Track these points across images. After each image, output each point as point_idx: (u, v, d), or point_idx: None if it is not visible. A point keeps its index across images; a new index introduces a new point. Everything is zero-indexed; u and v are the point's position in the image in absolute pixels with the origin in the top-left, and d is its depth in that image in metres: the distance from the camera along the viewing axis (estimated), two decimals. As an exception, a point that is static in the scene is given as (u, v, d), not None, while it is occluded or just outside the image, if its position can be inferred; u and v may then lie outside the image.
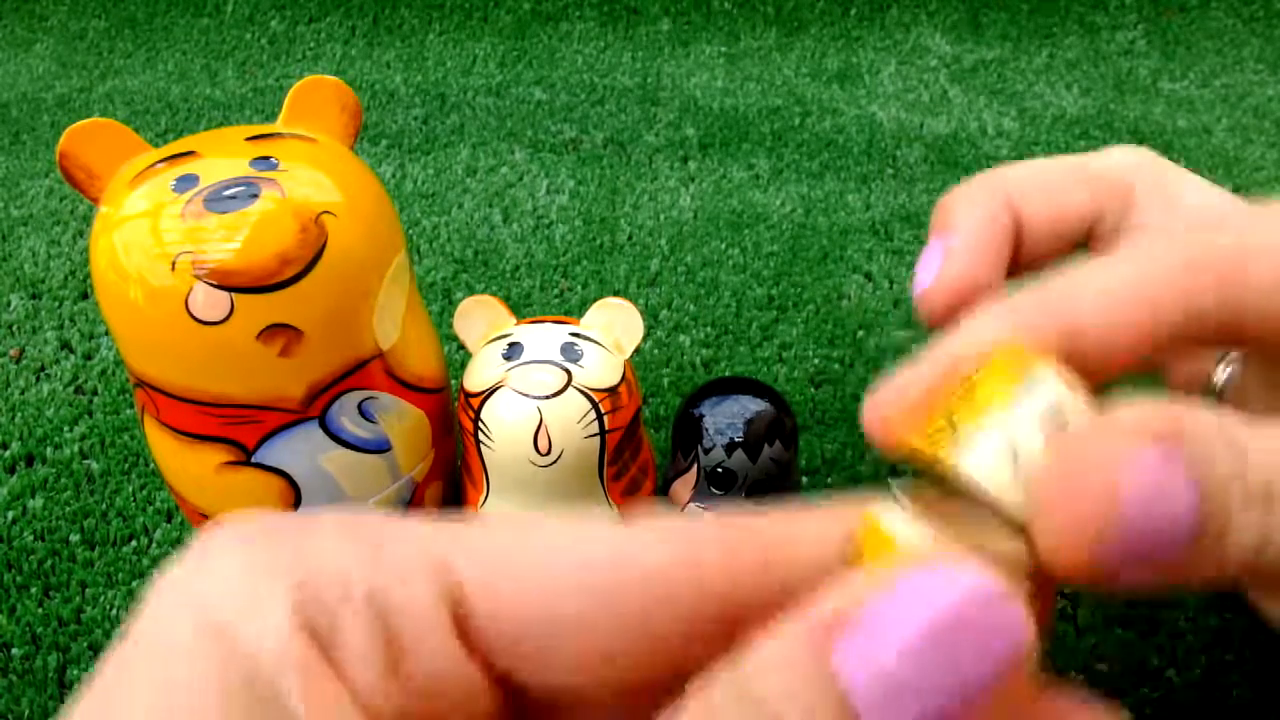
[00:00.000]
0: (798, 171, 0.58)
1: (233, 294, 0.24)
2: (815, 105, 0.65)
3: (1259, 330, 0.17)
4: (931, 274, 0.26)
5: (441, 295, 0.48)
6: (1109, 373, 0.17)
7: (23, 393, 0.42)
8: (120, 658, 0.13)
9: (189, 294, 0.24)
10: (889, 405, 0.17)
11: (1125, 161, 0.27)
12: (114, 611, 0.33)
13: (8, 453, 0.39)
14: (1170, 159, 0.27)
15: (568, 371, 0.28)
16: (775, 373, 0.43)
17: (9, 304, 0.47)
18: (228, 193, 0.24)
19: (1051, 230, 0.26)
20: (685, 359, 0.44)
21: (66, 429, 0.40)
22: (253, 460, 0.27)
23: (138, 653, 0.13)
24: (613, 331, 0.30)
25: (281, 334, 0.25)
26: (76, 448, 0.39)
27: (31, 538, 0.36)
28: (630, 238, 0.52)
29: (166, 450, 0.28)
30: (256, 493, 0.28)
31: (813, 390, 0.42)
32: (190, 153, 0.26)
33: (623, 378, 0.29)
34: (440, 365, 0.32)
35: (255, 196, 0.24)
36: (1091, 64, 0.71)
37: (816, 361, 0.44)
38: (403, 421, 0.29)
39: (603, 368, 0.29)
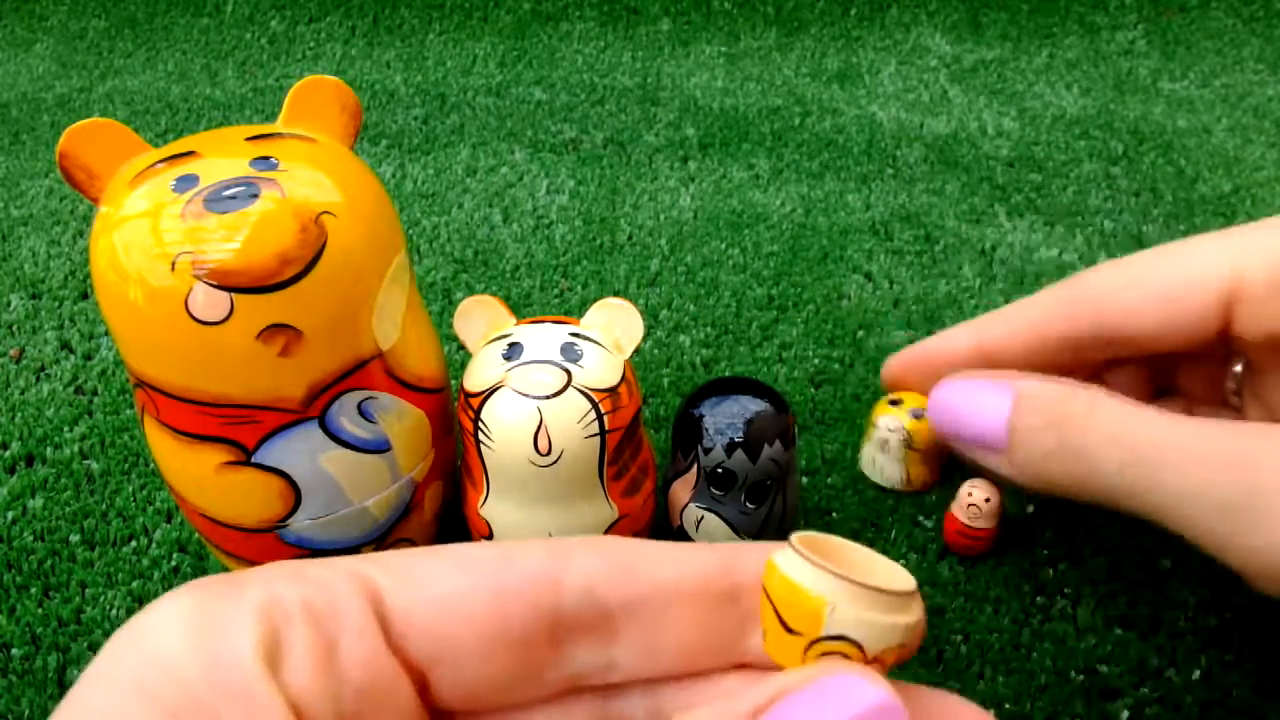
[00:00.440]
0: (798, 171, 0.58)
1: (233, 294, 0.24)
2: (815, 105, 0.65)
3: (1132, 344, 0.29)
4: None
5: (441, 295, 0.48)
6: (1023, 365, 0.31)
7: (23, 393, 0.42)
8: (71, 696, 0.14)
9: (189, 294, 0.24)
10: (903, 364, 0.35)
11: None
12: (114, 611, 0.33)
13: (8, 453, 0.39)
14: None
15: (568, 371, 0.28)
16: (775, 373, 0.43)
17: (9, 304, 0.47)
18: (228, 193, 0.24)
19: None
20: (685, 359, 0.44)
21: (66, 429, 0.40)
22: (253, 460, 0.27)
23: (87, 683, 0.14)
24: (613, 331, 0.30)
25: (281, 334, 0.25)
26: (76, 448, 0.39)
27: (31, 538, 0.36)
28: (630, 238, 0.52)
29: (166, 450, 0.28)
30: (256, 493, 0.28)
31: (813, 390, 0.42)
32: (190, 153, 0.26)
33: (623, 378, 0.29)
34: (440, 365, 0.32)
35: (255, 196, 0.24)
36: (1091, 64, 0.71)
37: (816, 361, 0.44)
38: (403, 421, 0.29)
39: (603, 368, 0.29)
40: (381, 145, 0.60)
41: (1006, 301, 0.42)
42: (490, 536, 0.31)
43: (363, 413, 0.28)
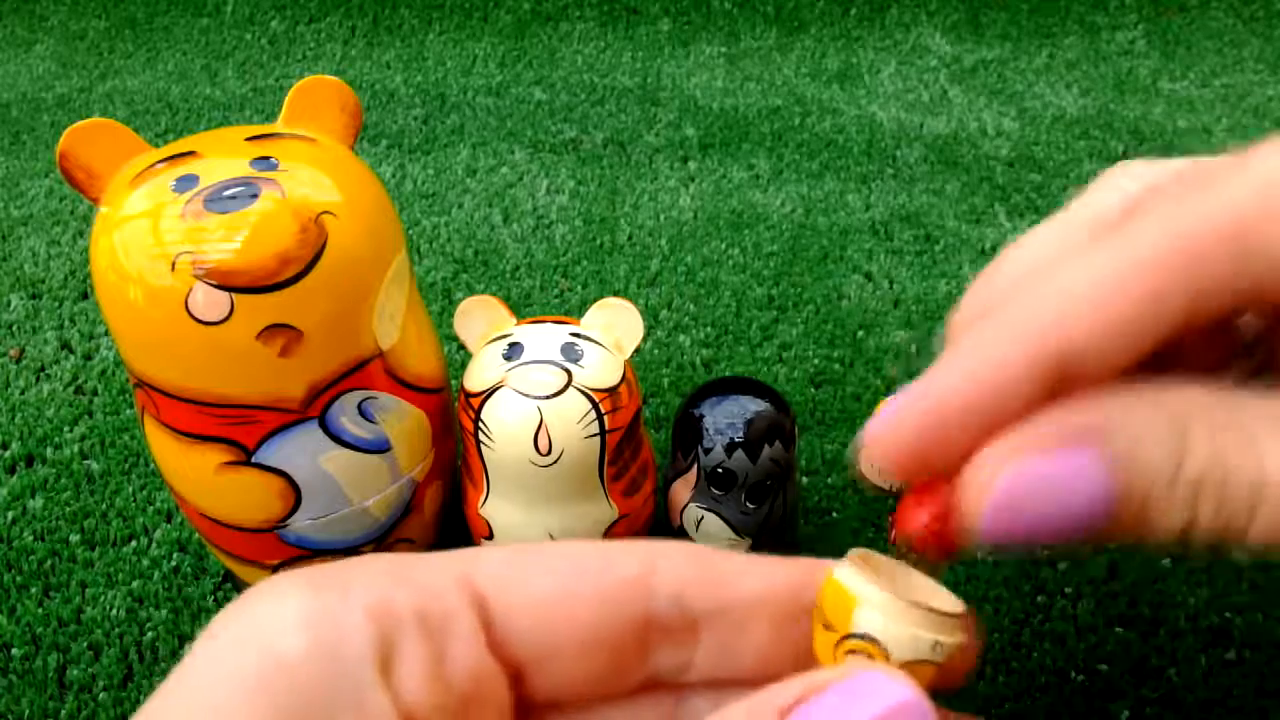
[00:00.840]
0: (798, 171, 0.58)
1: (232, 294, 0.24)
2: (815, 105, 0.65)
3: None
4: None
5: (441, 295, 0.48)
6: (1120, 372, 0.16)
7: (23, 393, 0.42)
8: (184, 682, 0.14)
9: (189, 294, 0.24)
10: (886, 440, 0.18)
11: None
12: (114, 611, 0.33)
13: (8, 453, 0.39)
14: (1170, 159, 0.26)
15: (568, 371, 0.28)
16: (775, 373, 0.43)
17: (9, 304, 0.47)
18: (228, 193, 0.24)
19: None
20: (685, 359, 0.44)
21: (66, 429, 0.40)
22: (253, 460, 0.27)
23: (199, 671, 0.15)
24: (613, 331, 0.30)
25: (281, 334, 0.25)
26: (76, 448, 0.39)
27: (31, 538, 0.36)
28: (630, 238, 0.52)
29: (166, 450, 0.28)
30: (256, 493, 0.28)
31: (813, 390, 0.42)
32: (190, 153, 0.26)
33: (623, 378, 0.29)
34: (440, 365, 0.32)
35: (255, 196, 0.24)
36: (1091, 64, 0.71)
37: (816, 361, 0.44)
38: (403, 421, 0.29)
39: (603, 368, 0.29)
40: (381, 145, 0.60)
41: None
42: (490, 536, 0.31)
43: (363, 413, 0.28)
